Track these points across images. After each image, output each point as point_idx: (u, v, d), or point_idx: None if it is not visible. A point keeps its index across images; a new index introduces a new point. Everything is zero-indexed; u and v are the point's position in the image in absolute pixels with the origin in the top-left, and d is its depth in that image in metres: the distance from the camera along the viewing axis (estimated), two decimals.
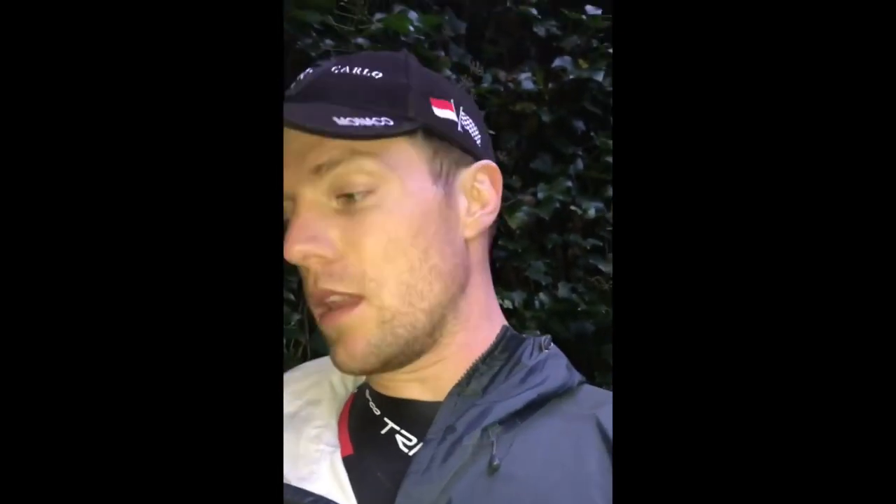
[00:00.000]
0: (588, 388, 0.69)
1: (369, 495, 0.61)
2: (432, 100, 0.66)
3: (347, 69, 0.65)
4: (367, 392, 0.70)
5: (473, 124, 0.69)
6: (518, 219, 1.58)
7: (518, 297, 1.60)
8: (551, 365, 0.68)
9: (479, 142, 0.69)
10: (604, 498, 0.58)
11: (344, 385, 0.73)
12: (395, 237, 0.63)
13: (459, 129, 0.67)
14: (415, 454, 0.63)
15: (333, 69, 0.66)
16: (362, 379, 0.73)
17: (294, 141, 0.63)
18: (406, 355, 0.64)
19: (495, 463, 0.60)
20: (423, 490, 0.60)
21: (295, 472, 0.63)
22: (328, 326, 0.64)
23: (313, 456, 0.64)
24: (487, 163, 0.69)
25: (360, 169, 0.62)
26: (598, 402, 0.66)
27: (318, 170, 0.63)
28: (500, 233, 0.77)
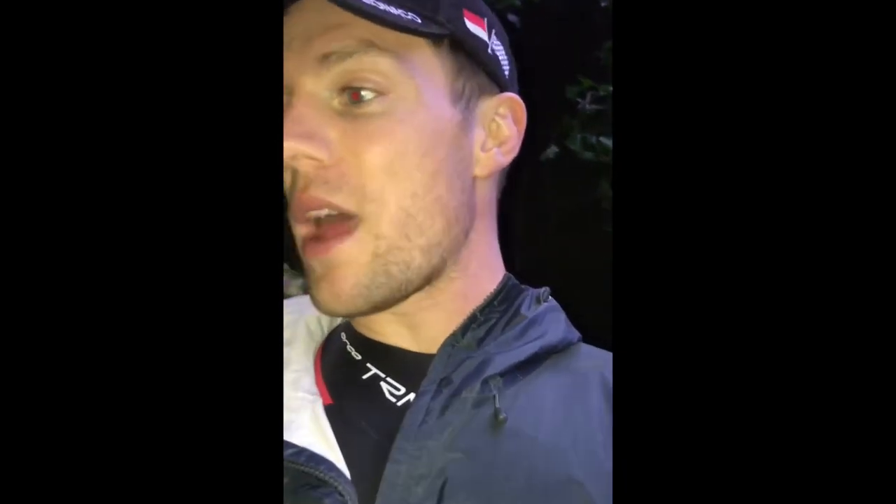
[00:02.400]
0: (587, 346, 0.66)
1: (356, 448, 0.56)
2: (466, 12, 0.59)
3: None
4: (343, 334, 0.64)
5: (504, 52, 0.64)
6: None
7: None
8: (550, 318, 0.64)
9: (507, 72, 0.64)
10: (609, 457, 0.56)
11: (320, 326, 0.67)
12: (403, 151, 0.55)
13: (489, 51, 0.61)
14: (407, 406, 0.58)
15: None
16: (339, 319, 0.67)
17: (298, 24, 0.56)
18: (396, 299, 0.58)
19: (501, 416, 0.56)
20: (421, 445, 0.55)
21: None
22: (314, 258, 0.57)
23: (292, 404, 0.58)
24: (512, 96, 0.63)
25: (375, 65, 0.55)
26: (600, 361, 0.63)
27: (326, 59, 0.55)
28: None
